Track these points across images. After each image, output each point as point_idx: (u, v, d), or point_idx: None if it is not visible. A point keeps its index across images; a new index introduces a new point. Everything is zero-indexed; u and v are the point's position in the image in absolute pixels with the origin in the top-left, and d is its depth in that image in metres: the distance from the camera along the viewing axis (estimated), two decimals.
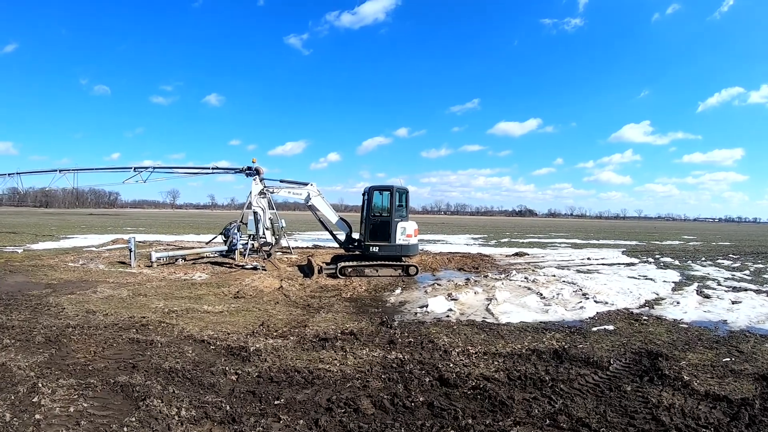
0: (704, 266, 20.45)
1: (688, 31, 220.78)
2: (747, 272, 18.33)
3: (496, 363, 6.90)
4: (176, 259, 17.98)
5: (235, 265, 17.32)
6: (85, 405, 5.13)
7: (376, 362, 6.84)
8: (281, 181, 18.36)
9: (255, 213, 17.84)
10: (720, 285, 14.83)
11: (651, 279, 16.03)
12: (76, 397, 5.32)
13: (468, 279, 15.27)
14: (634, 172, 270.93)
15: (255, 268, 16.37)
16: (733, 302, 11.85)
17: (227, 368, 6.37)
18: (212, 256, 19.34)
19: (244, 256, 18.19)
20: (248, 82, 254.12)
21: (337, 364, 6.71)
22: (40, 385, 5.55)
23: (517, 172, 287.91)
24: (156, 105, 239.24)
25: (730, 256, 26.38)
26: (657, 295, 12.97)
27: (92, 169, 22.31)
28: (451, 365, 6.74)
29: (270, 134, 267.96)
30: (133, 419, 4.81)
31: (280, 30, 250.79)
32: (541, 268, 18.66)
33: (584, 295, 12.54)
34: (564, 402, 5.46)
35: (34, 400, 5.17)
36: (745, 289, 13.92)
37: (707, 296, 12.76)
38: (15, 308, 9.79)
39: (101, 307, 10.13)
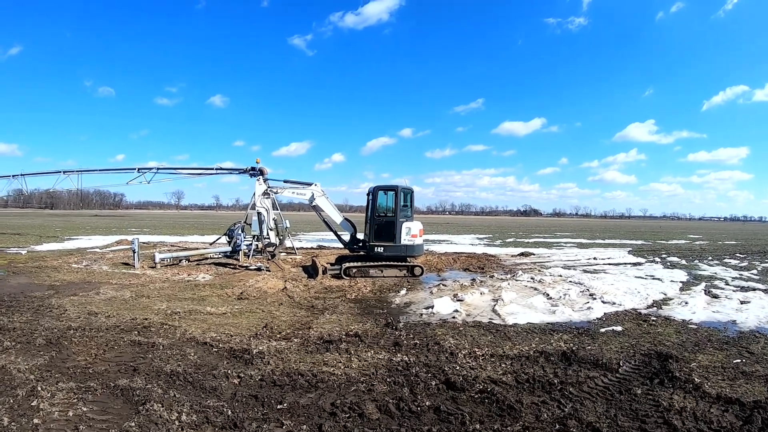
0: (711, 266, 20.30)
1: (693, 29, 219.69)
2: (755, 271, 18.20)
3: (503, 365, 6.78)
4: (180, 260, 17.91)
5: (239, 266, 17.26)
6: (85, 409, 5.04)
7: (381, 365, 6.73)
8: (285, 182, 18.28)
9: (259, 213, 17.76)
10: (728, 285, 14.70)
11: (658, 279, 15.89)
12: (75, 400, 5.23)
13: (474, 279, 15.14)
14: (639, 172, 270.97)
15: (259, 269, 16.30)
16: (742, 302, 11.73)
17: (229, 371, 6.26)
18: (216, 257, 19.29)
19: (248, 256, 18.13)
20: (252, 83, 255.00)
21: (342, 367, 6.60)
22: (39, 388, 5.46)
23: (522, 171, 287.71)
24: (160, 106, 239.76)
25: (737, 255, 26.23)
26: (665, 295, 12.84)
27: (96, 171, 22.27)
28: (458, 368, 6.62)
29: (274, 135, 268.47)
30: (133, 424, 4.71)
31: (284, 31, 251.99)
32: (547, 268, 18.53)
33: (591, 295, 12.41)
34: (574, 406, 5.34)
35: (33, 404, 5.08)
36: (754, 289, 13.79)
37: (715, 296, 12.63)
38: (17, 310, 9.72)
39: (103, 308, 10.06)
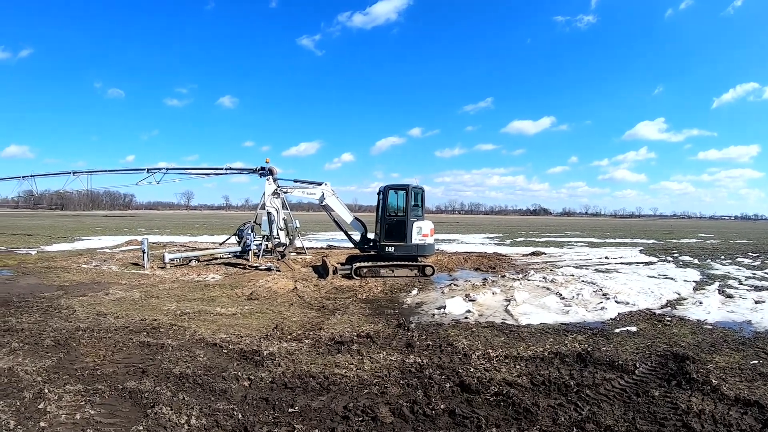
0: (724, 265, 20.09)
1: (702, 26, 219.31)
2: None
3: (518, 367, 6.64)
4: (189, 261, 17.89)
5: (249, 266, 17.20)
6: (92, 412, 4.95)
7: (394, 367, 6.60)
8: (295, 181, 18.19)
9: (269, 213, 17.68)
10: (741, 284, 14.50)
11: (671, 278, 15.70)
12: (83, 403, 5.14)
13: (485, 279, 14.98)
14: (649, 170, 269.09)
15: (269, 269, 16.22)
16: (757, 302, 11.52)
17: (240, 373, 6.15)
18: (226, 257, 19.27)
19: (258, 257, 18.07)
20: (262, 83, 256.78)
21: (354, 369, 6.47)
22: (46, 390, 5.37)
23: (531, 170, 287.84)
24: (170, 107, 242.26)
25: (749, 254, 25.95)
26: (678, 294, 12.66)
27: (106, 171, 22.31)
28: (472, 370, 6.48)
29: (284, 135, 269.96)
30: (141, 428, 4.61)
31: (293, 31, 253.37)
32: (559, 267, 18.35)
33: (604, 295, 12.23)
34: (591, 409, 5.21)
35: (39, 407, 4.99)
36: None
37: (729, 296, 12.44)
38: (26, 310, 9.67)
39: (112, 309, 10.00)
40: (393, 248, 15.24)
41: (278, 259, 17.68)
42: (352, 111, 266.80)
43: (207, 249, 20.56)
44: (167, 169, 20.73)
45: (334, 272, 15.26)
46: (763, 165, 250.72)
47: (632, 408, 5.25)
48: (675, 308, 10.87)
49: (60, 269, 15.98)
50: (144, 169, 20.71)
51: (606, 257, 23.27)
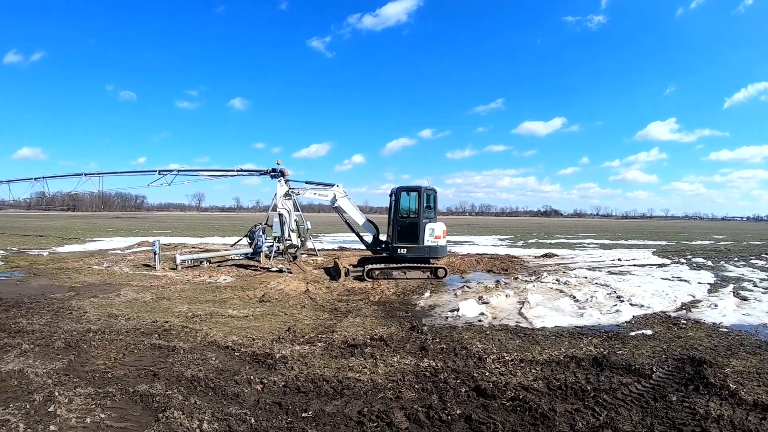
0: (738, 267, 19.92)
1: (713, 25, 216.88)
2: None
3: (533, 371, 6.53)
4: (201, 262, 17.88)
5: (261, 267, 17.13)
6: (103, 416, 4.86)
7: (408, 371, 6.49)
8: (307, 183, 18.11)
9: (280, 215, 17.62)
10: (756, 286, 14.40)
11: (685, 280, 15.57)
12: (93, 406, 5.06)
13: (498, 281, 14.81)
14: (660, 171, 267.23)
15: (280, 271, 16.15)
16: None
17: (252, 377, 6.05)
18: (237, 258, 19.23)
19: (270, 258, 18.00)
20: (272, 85, 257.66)
21: (368, 373, 6.36)
22: (56, 393, 5.30)
23: (543, 172, 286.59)
24: (181, 109, 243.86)
25: (763, 255, 25.77)
26: (693, 297, 12.54)
27: (117, 173, 22.50)
28: (487, 374, 6.37)
29: (294, 137, 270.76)
30: None
31: (303, 33, 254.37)
32: (572, 269, 18.21)
33: (619, 297, 12.07)
34: (609, 414, 5.10)
35: (49, 410, 4.92)
36: None
37: (744, 298, 12.34)
38: (37, 312, 9.65)
39: (124, 311, 9.96)
40: (405, 250, 15.13)
41: (290, 261, 17.62)
42: (363, 112, 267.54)
43: (218, 250, 20.55)
44: (178, 170, 20.81)
45: (346, 274, 15.18)
46: None
47: (650, 413, 5.16)
48: (690, 311, 10.77)
49: (71, 270, 16.02)
50: (155, 171, 20.80)
51: (619, 259, 23.04)
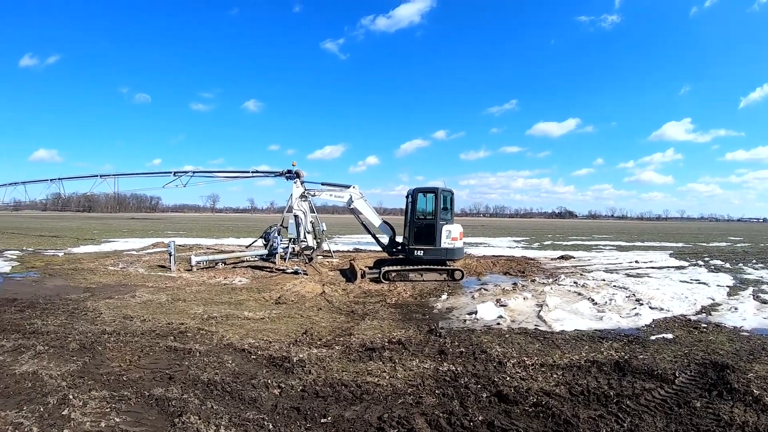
0: (757, 269, 19.51)
1: (728, 24, 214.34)
2: None
3: (555, 376, 6.38)
4: (216, 263, 17.88)
5: (276, 269, 17.07)
6: (118, 420, 4.77)
7: (428, 375, 6.35)
8: (323, 184, 17.99)
9: (296, 216, 17.51)
10: None
11: (704, 283, 15.25)
12: (108, 410, 4.97)
13: (515, 284, 14.58)
14: (676, 172, 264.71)
15: (296, 273, 16.07)
16: None
17: (269, 381, 5.93)
18: (252, 260, 19.23)
19: (285, 260, 17.95)
20: (286, 87, 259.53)
21: (387, 377, 6.21)
22: (71, 396, 5.23)
23: (557, 173, 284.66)
24: (196, 112, 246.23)
25: None
26: (713, 300, 12.27)
27: (132, 174, 22.56)
28: (508, 379, 6.22)
29: (309, 138, 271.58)
30: None
31: (317, 35, 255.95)
32: (589, 271, 17.92)
33: (638, 300, 11.84)
34: (632, 420, 5.00)
35: (63, 413, 4.84)
36: None
37: (765, 301, 12.07)
38: (52, 313, 9.63)
39: (139, 312, 9.91)
40: (422, 252, 14.97)
41: (305, 263, 17.52)
42: (377, 114, 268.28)
43: (233, 252, 20.57)
44: (193, 172, 20.87)
45: (362, 276, 15.04)
46: None
47: (675, 420, 5.04)
48: (710, 314, 10.57)
49: (87, 271, 16.07)
50: (170, 173, 20.85)
51: (636, 261, 22.70)
